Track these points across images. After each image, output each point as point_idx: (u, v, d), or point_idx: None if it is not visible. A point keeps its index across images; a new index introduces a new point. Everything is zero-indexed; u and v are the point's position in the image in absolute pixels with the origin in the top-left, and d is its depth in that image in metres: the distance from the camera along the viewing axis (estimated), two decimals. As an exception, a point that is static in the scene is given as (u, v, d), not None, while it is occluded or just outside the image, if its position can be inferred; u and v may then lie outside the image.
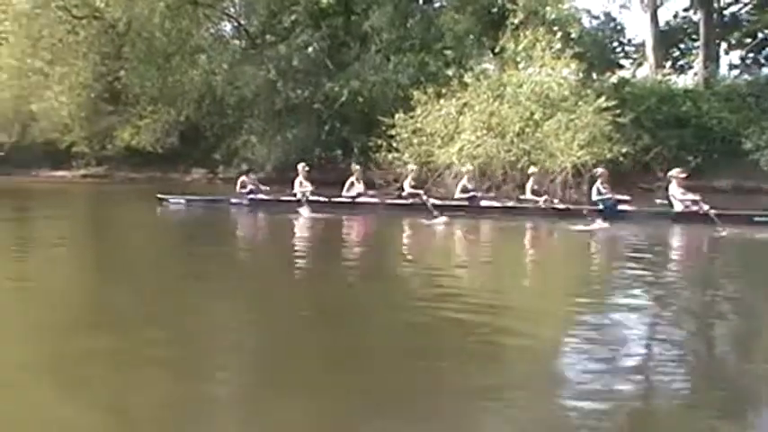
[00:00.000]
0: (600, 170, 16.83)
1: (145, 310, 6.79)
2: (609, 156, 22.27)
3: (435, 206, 16.66)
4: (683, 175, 15.85)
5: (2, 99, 33.57)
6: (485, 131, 23.90)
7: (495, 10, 29.01)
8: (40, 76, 33.42)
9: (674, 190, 15.60)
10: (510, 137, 23.57)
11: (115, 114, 35.09)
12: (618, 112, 23.53)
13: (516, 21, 26.40)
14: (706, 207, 15.07)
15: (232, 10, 36.84)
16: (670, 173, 16.28)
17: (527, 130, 23.62)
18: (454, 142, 24.11)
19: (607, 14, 42.49)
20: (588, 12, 41.15)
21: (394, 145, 25.04)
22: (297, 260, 10.47)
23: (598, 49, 34.92)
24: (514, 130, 23.62)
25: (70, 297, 7.51)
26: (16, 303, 7.10)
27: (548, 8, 26.97)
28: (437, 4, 33.40)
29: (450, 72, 26.53)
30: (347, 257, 11.01)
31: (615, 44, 42.12)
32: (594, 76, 28.22)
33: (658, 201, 16.04)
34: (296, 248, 12.05)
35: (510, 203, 17.45)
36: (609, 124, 23.23)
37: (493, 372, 5.10)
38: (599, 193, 16.10)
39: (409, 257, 11.30)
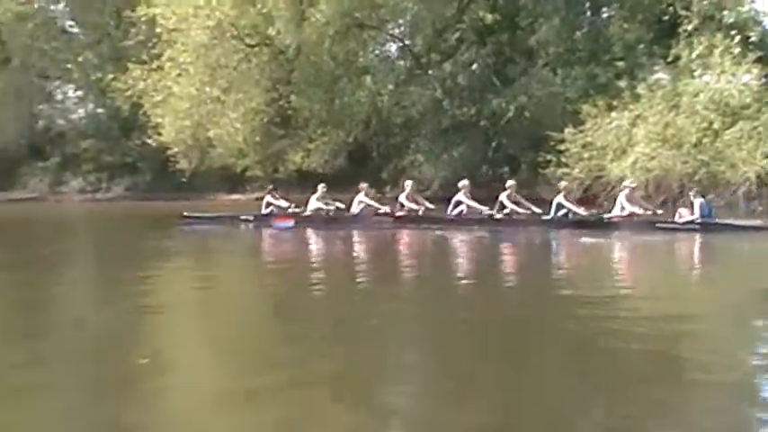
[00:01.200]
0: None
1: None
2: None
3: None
4: (634, 185, 16.72)
5: (183, 127, 35.09)
6: (659, 143, 23.05)
7: (666, 17, 27.89)
8: (216, 103, 34.77)
9: (622, 199, 15.80)
10: (687, 148, 22.62)
11: (286, 138, 36.01)
12: (809, 117, 22.07)
13: (690, 27, 25.31)
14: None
15: (397, 31, 37.18)
16: (623, 183, 17.06)
17: (705, 140, 22.59)
18: (627, 155, 23.41)
19: (794, 14, 39.96)
20: (771, 13, 38.83)
21: (563, 160, 24.50)
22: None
23: (783, 52, 32.91)
24: (691, 140, 22.67)
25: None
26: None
27: (725, 12, 25.65)
28: (605, 15, 32.49)
29: (621, 83, 25.69)
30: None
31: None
32: (779, 80, 26.52)
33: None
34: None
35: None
36: (798, 131, 21.85)
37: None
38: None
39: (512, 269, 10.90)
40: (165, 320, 7.41)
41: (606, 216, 15.97)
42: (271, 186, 19.90)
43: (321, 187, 18.80)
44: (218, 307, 7.96)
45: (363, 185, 18.44)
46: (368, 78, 36.12)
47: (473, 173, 27.80)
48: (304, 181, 35.45)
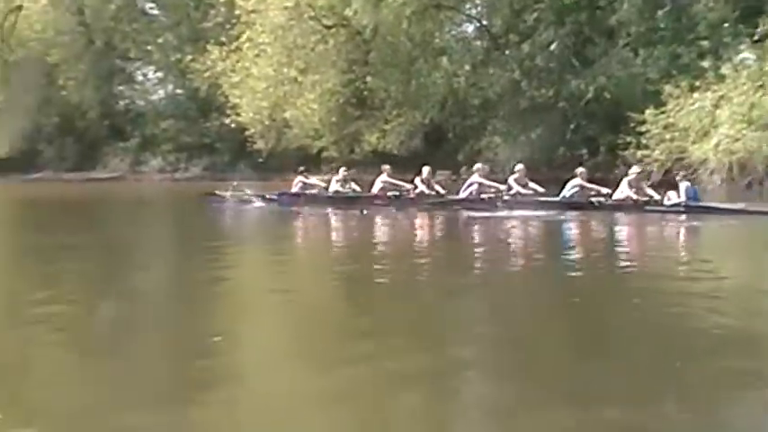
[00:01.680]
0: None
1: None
2: None
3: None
4: (639, 171, 16.81)
5: (260, 107, 35.55)
6: (744, 125, 22.44)
7: (753, -5, 27.08)
8: (293, 84, 35.12)
9: (624, 184, 15.99)
10: (773, 129, 21.98)
11: (362, 119, 36.16)
12: None
13: (778, 5, 24.55)
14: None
15: (474, 11, 36.97)
16: (630, 169, 16.99)
17: (793, 121, 21.91)
18: (710, 137, 22.85)
19: None
20: None
21: (643, 142, 24.08)
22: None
23: None
24: (778, 121, 21.99)
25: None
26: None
27: (816, -12, 24.80)
28: (689, -7, 31.68)
29: (704, 63, 25.05)
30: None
31: None
32: None
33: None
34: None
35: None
36: None
37: None
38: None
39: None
40: (235, 301, 7.58)
41: (595, 200, 16.20)
42: (302, 168, 20.81)
43: (342, 170, 19.88)
44: (280, 287, 8.08)
45: (386, 167, 19.17)
46: (444, 59, 36.10)
47: (550, 155, 27.61)
48: (380, 162, 35.49)
